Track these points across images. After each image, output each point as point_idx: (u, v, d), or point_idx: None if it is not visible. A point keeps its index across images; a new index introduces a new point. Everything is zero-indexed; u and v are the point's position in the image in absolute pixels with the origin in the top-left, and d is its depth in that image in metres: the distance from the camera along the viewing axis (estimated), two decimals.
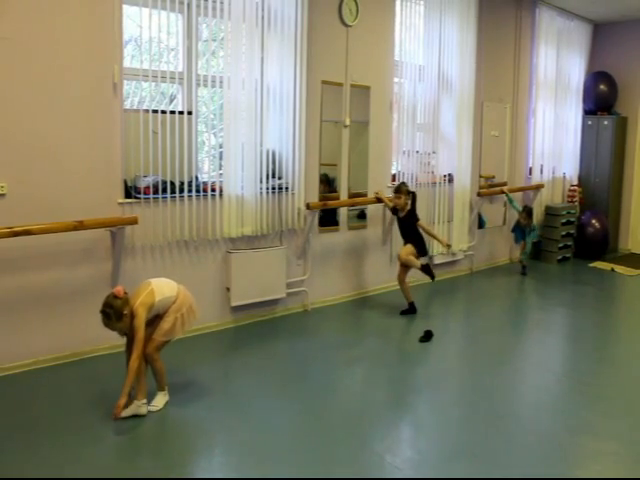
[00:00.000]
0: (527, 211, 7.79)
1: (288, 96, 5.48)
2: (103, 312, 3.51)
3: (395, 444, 3.50)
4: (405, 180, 6.63)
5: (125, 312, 3.51)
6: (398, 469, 3.20)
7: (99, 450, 3.28)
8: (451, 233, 7.31)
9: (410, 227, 5.80)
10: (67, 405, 3.78)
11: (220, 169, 5.26)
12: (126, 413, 3.60)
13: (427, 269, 5.89)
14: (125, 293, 3.56)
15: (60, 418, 3.61)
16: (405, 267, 5.87)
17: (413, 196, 5.77)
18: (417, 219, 5.83)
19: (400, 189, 5.73)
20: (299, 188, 5.67)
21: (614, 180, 9.26)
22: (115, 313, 3.48)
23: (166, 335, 3.70)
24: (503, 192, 7.87)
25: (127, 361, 3.64)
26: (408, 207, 5.76)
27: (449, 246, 6.31)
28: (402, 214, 5.81)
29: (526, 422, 3.78)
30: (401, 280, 5.92)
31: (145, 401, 3.68)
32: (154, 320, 3.71)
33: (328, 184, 6.09)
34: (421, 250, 5.81)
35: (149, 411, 3.68)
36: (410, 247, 5.75)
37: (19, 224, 3.96)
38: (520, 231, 7.87)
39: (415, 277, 6.07)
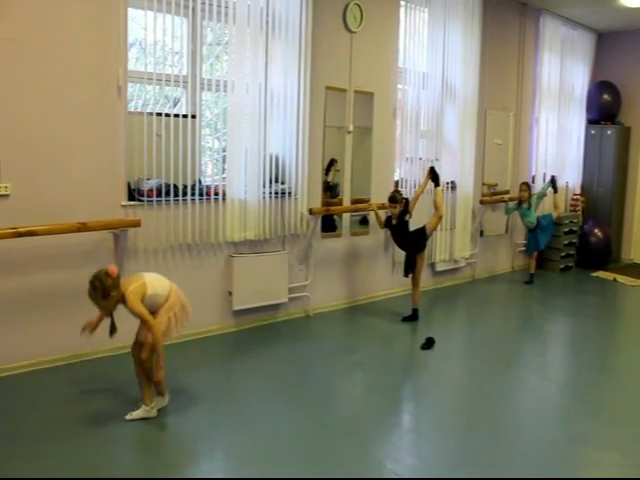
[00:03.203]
0: (526, 183, 7.83)
1: (292, 101, 5.49)
2: (91, 283, 3.40)
3: (396, 451, 3.47)
4: (408, 186, 6.66)
5: (112, 294, 3.41)
6: (398, 476, 3.17)
7: (98, 453, 3.27)
8: (453, 240, 7.30)
9: (404, 232, 5.74)
10: (67, 407, 3.76)
11: (223, 173, 5.26)
12: (136, 416, 3.62)
13: (433, 173, 6.00)
14: (118, 276, 3.47)
15: (59, 420, 3.59)
16: (419, 270, 5.86)
17: (406, 202, 5.71)
18: (408, 212, 5.69)
19: (396, 198, 5.63)
20: (302, 193, 5.66)
21: (617, 190, 9.25)
22: (102, 289, 3.37)
23: (162, 337, 3.56)
24: (504, 200, 7.87)
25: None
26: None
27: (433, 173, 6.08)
28: (395, 221, 5.73)
29: (527, 431, 3.75)
30: (415, 283, 5.89)
31: (154, 405, 3.68)
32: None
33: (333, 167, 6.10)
34: (421, 245, 5.80)
35: (153, 415, 3.66)
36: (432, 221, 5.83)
37: (23, 225, 3.97)
38: (533, 236, 7.81)
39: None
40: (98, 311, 3.56)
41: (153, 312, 3.58)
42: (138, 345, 3.66)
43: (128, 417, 3.60)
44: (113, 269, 3.44)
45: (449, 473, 3.22)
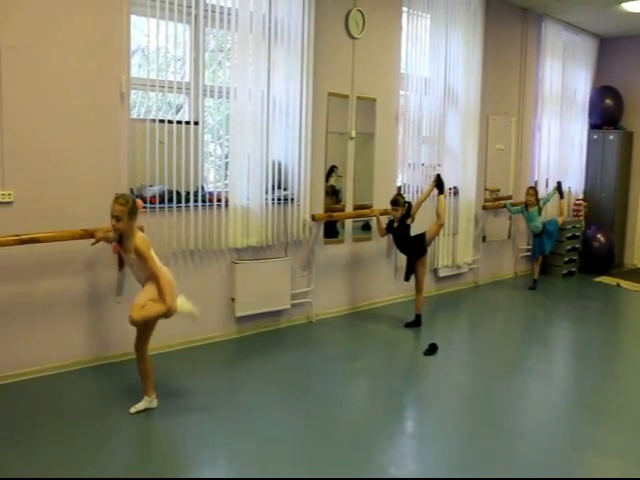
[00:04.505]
0: (533, 188, 7.81)
1: (294, 107, 5.49)
2: (125, 195, 3.68)
3: (399, 457, 3.47)
4: (410, 192, 6.66)
5: (133, 219, 3.60)
6: (395, 476, 3.18)
7: (100, 459, 3.26)
8: (456, 246, 7.29)
9: (405, 235, 5.75)
10: (70, 414, 3.76)
11: (226, 179, 5.26)
12: (139, 407, 3.73)
13: (439, 181, 6.00)
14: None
15: (62, 427, 3.59)
16: (422, 276, 5.85)
17: (409, 206, 5.72)
18: (410, 215, 5.71)
19: (398, 201, 5.66)
20: (304, 199, 5.67)
21: (620, 194, 9.23)
22: (132, 207, 3.58)
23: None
24: (504, 206, 7.85)
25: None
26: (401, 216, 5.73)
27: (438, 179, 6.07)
28: (397, 224, 5.75)
29: (530, 437, 3.74)
30: (418, 289, 5.88)
31: (154, 396, 3.77)
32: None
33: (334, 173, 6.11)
34: (422, 250, 5.79)
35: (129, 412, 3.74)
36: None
37: (26, 232, 3.98)
38: (539, 240, 7.78)
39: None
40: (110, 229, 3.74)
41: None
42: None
43: (132, 410, 3.72)
44: (140, 204, 3.78)
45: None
